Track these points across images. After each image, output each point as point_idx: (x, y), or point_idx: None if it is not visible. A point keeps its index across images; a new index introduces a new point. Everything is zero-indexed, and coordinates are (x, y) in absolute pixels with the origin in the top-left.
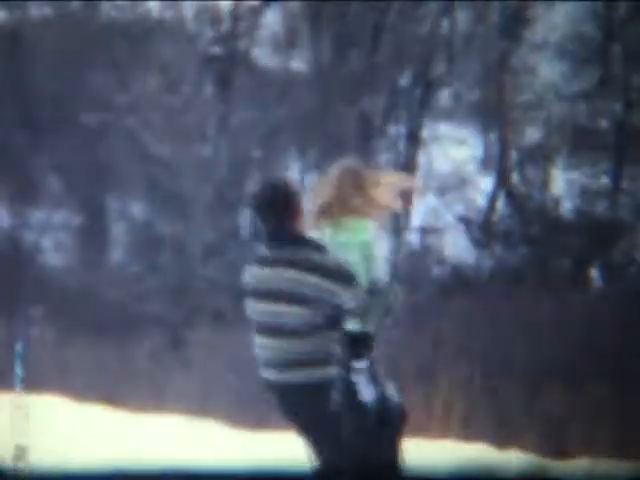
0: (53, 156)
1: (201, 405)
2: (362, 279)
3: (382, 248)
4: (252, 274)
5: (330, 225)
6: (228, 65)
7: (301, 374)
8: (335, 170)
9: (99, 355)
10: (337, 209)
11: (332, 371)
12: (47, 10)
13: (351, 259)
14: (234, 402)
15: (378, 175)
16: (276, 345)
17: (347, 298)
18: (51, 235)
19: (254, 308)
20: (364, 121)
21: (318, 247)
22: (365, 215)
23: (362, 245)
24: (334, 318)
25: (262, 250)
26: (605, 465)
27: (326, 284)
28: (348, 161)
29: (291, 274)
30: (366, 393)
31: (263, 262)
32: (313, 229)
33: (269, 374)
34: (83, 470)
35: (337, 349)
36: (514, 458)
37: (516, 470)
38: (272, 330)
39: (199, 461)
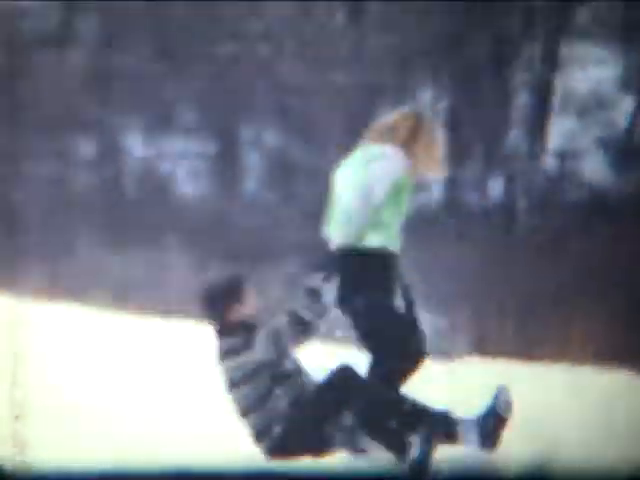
0: (187, 86)
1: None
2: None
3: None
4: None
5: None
6: None
7: None
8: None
9: None
10: (384, 135)
11: None
12: None
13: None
14: None
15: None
16: None
17: None
18: (186, 164)
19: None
20: (499, 43)
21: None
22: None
23: (362, 165)
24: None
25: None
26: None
27: None
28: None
29: None
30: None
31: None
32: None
33: None
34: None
35: None
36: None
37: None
38: None
39: None
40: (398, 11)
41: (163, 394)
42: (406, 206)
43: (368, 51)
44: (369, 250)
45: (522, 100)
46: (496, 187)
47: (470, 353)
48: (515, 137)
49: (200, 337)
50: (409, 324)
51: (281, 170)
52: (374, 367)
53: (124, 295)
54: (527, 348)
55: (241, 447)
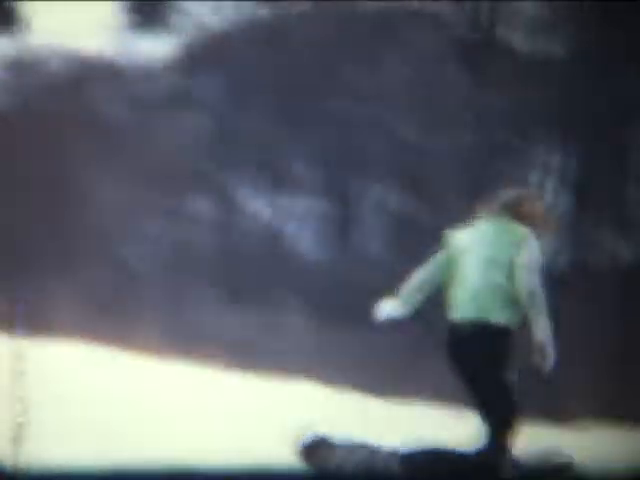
0: (307, 145)
1: (456, 394)
2: (492, 279)
3: (528, 258)
4: None
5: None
6: (481, 50)
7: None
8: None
9: (352, 344)
10: (510, 211)
11: None
12: (306, 4)
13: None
14: None
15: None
16: None
17: None
18: (309, 225)
19: None
20: (623, 101)
21: None
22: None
23: (509, 245)
24: None
25: None
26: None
27: None
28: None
29: None
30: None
31: None
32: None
33: None
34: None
35: None
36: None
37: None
38: None
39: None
40: (518, 70)
41: None
42: None
43: (488, 110)
44: (495, 325)
45: None
46: (626, 251)
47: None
48: None
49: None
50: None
51: (404, 232)
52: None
53: (242, 356)
54: None
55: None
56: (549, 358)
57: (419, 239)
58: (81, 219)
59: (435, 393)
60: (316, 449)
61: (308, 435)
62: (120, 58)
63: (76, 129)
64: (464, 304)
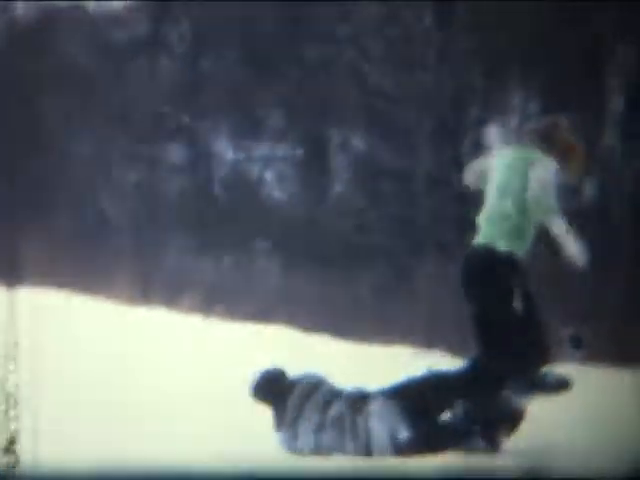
0: (275, 90)
1: (426, 336)
2: (503, 208)
3: (545, 175)
4: None
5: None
6: None
7: None
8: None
9: (324, 286)
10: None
11: None
12: None
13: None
14: (459, 333)
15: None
16: None
17: None
18: (274, 168)
19: None
20: (593, 43)
21: None
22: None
23: (526, 161)
24: None
25: None
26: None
27: None
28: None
29: None
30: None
31: None
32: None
33: None
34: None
35: None
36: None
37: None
38: None
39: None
40: (486, 12)
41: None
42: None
43: (456, 52)
44: (500, 253)
45: (618, 102)
46: (591, 189)
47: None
48: (610, 139)
49: (283, 342)
50: (524, 326)
51: (369, 174)
52: (482, 361)
53: (213, 299)
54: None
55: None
56: (572, 250)
57: (385, 181)
58: (52, 168)
59: (403, 335)
60: (270, 384)
61: (262, 370)
62: (88, 5)
63: (45, 77)
64: (480, 230)
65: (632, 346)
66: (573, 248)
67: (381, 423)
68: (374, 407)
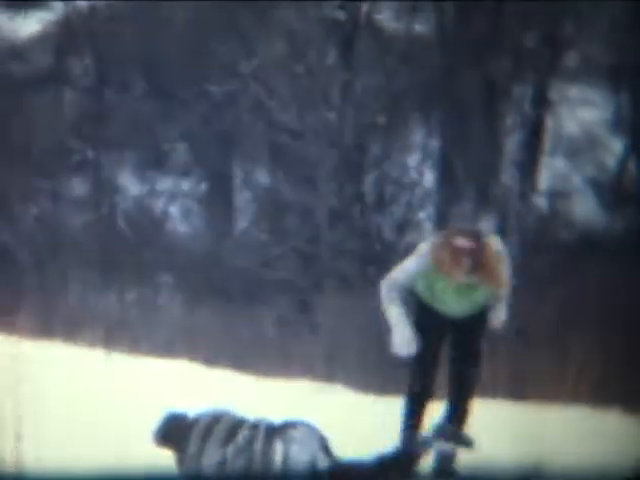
0: (180, 124)
1: (328, 370)
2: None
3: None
4: None
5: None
6: (352, 30)
7: None
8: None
9: (227, 320)
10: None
11: None
12: None
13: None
14: (361, 367)
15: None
16: None
17: None
18: (179, 202)
19: None
20: (489, 83)
21: None
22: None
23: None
24: None
25: None
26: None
27: None
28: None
29: None
30: None
31: None
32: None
33: None
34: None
35: None
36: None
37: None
38: None
39: (323, 426)
40: (388, 51)
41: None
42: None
43: (359, 89)
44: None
45: (513, 141)
46: (488, 227)
47: None
48: (506, 177)
49: (186, 377)
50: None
51: (273, 209)
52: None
53: (115, 334)
54: (520, 388)
55: None
56: (396, 340)
57: (289, 218)
58: None
59: (304, 370)
60: (170, 428)
61: (164, 415)
62: None
63: None
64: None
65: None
66: (397, 337)
67: (302, 449)
68: (295, 433)
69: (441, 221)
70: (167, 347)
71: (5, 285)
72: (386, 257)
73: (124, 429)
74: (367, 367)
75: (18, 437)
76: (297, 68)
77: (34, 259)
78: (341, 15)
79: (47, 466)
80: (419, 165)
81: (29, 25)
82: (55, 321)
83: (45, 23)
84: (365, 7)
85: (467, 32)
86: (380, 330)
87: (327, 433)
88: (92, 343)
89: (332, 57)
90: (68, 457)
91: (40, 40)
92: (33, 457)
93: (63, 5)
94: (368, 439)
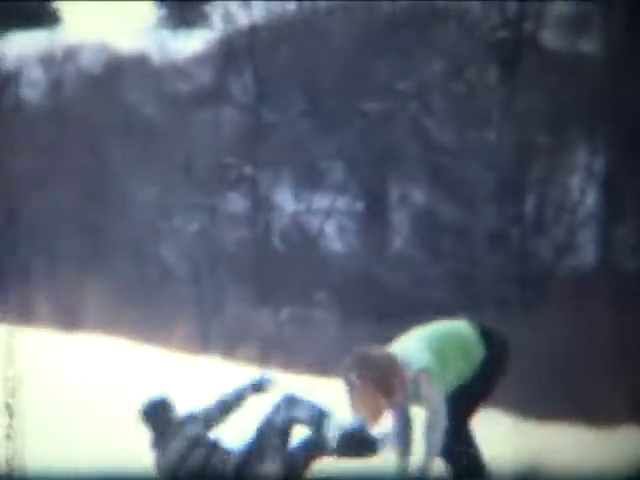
0: (337, 143)
1: None
2: None
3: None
4: None
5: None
6: (514, 48)
7: None
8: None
9: (380, 339)
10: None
11: None
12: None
13: None
14: (520, 391)
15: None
16: None
17: None
18: (334, 220)
19: None
20: None
21: None
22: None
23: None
24: None
25: None
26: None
27: None
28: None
29: None
30: None
31: None
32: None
33: None
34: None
35: None
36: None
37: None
38: None
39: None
40: (551, 69)
41: None
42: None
43: (520, 108)
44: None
45: None
46: None
47: None
48: None
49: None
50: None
51: (429, 229)
52: None
53: (271, 351)
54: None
55: None
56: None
57: (445, 238)
58: (115, 216)
59: None
60: (155, 411)
61: (149, 397)
62: (153, 54)
63: (110, 126)
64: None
65: None
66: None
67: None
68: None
69: (603, 244)
70: (321, 365)
71: (163, 299)
72: (545, 281)
73: None
74: (526, 392)
75: None
76: (457, 87)
77: (192, 274)
78: (504, 33)
79: None
80: (582, 185)
81: (192, 43)
82: (212, 336)
83: (207, 41)
84: (529, 26)
85: (635, 48)
86: (537, 355)
87: None
88: (249, 360)
89: (493, 76)
90: None
91: (202, 58)
92: None
93: (224, 24)
94: None
